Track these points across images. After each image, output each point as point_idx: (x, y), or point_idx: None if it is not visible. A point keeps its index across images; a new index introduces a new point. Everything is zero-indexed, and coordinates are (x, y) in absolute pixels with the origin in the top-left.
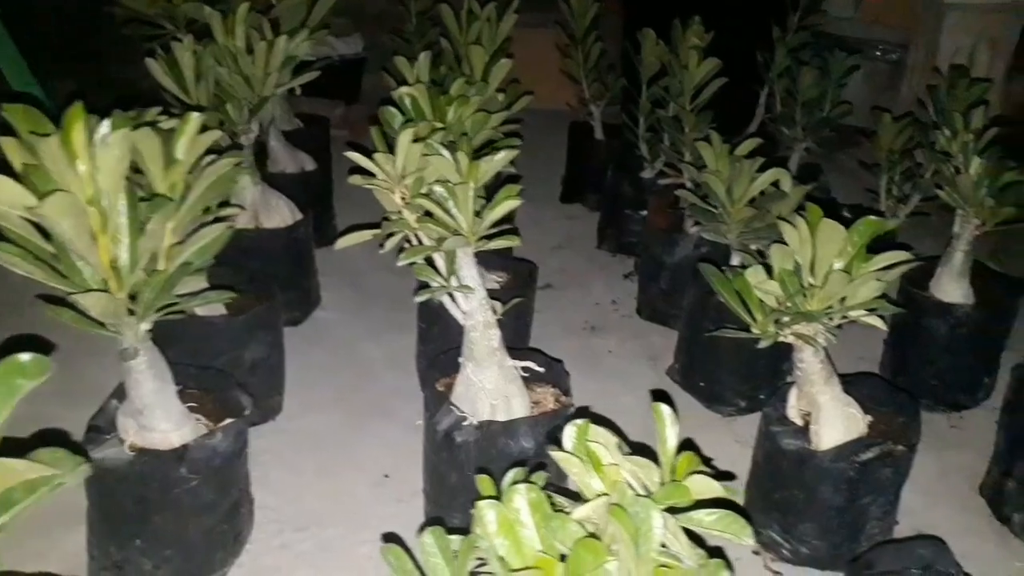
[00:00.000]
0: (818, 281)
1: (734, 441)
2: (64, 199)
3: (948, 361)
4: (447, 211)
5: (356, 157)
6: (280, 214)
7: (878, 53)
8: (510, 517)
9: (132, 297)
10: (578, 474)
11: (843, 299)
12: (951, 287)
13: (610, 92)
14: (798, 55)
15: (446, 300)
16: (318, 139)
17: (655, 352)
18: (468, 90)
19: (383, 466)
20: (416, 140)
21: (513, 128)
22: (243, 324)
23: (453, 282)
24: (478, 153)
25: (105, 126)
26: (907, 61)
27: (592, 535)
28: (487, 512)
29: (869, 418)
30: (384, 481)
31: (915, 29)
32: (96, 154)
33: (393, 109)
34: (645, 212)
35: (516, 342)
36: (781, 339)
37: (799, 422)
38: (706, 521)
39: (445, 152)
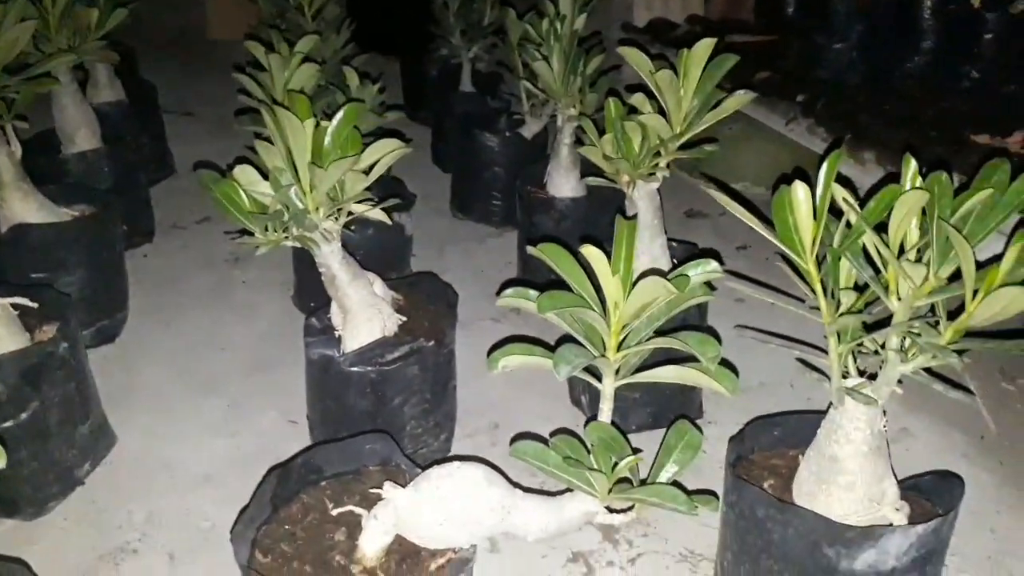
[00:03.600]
0: (303, 179)
1: None
2: None
3: None
4: None
5: None
6: None
7: None
8: None
9: None
10: None
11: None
12: (561, 181)
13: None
14: None
15: None
16: None
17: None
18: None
19: None
20: None
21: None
22: None
23: None
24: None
25: None
26: None
27: None
28: None
29: (402, 318)
30: None
31: None
32: None
33: None
34: None
35: (101, 284)
36: (288, 243)
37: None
38: None
39: None
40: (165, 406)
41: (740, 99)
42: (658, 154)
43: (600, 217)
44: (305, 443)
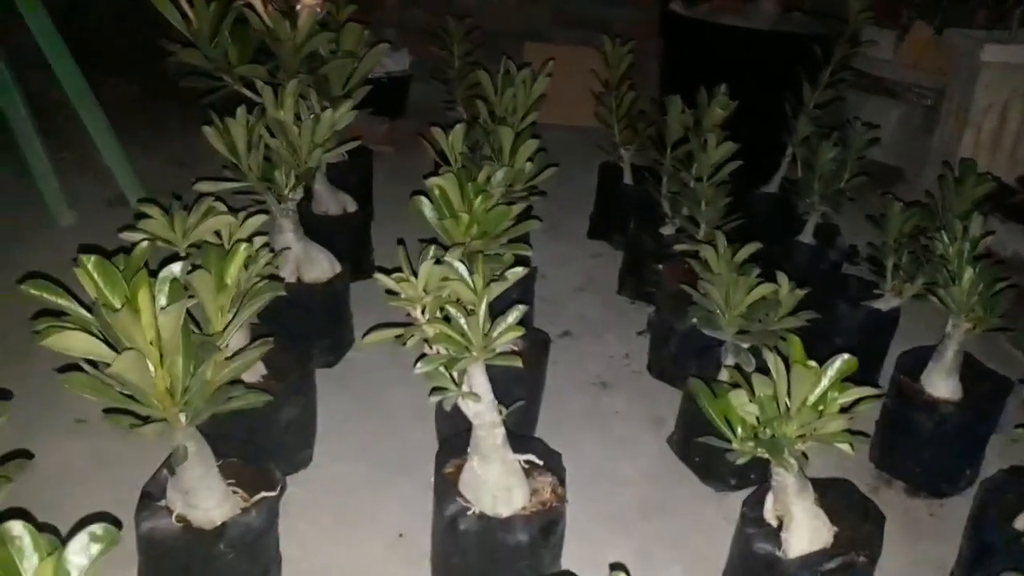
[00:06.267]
0: (792, 412)
1: (722, 518)
2: (133, 359)
3: (931, 452)
4: (460, 329)
5: (383, 280)
6: (320, 267)
7: (915, 97)
8: None
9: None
10: None
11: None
12: (940, 382)
13: (640, 138)
14: (826, 109)
15: (458, 401)
16: (360, 170)
17: (660, 414)
18: (495, 173)
19: (398, 525)
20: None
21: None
22: (281, 391)
23: (464, 388)
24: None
25: (162, 297)
26: (941, 109)
27: None
28: None
29: (835, 528)
30: (398, 541)
31: (951, 77)
32: (159, 320)
33: (423, 199)
34: (662, 266)
35: (527, 407)
36: (758, 455)
37: (774, 523)
38: None
39: (463, 272)
40: (589, 541)
41: None
42: None
43: (976, 423)
44: None
